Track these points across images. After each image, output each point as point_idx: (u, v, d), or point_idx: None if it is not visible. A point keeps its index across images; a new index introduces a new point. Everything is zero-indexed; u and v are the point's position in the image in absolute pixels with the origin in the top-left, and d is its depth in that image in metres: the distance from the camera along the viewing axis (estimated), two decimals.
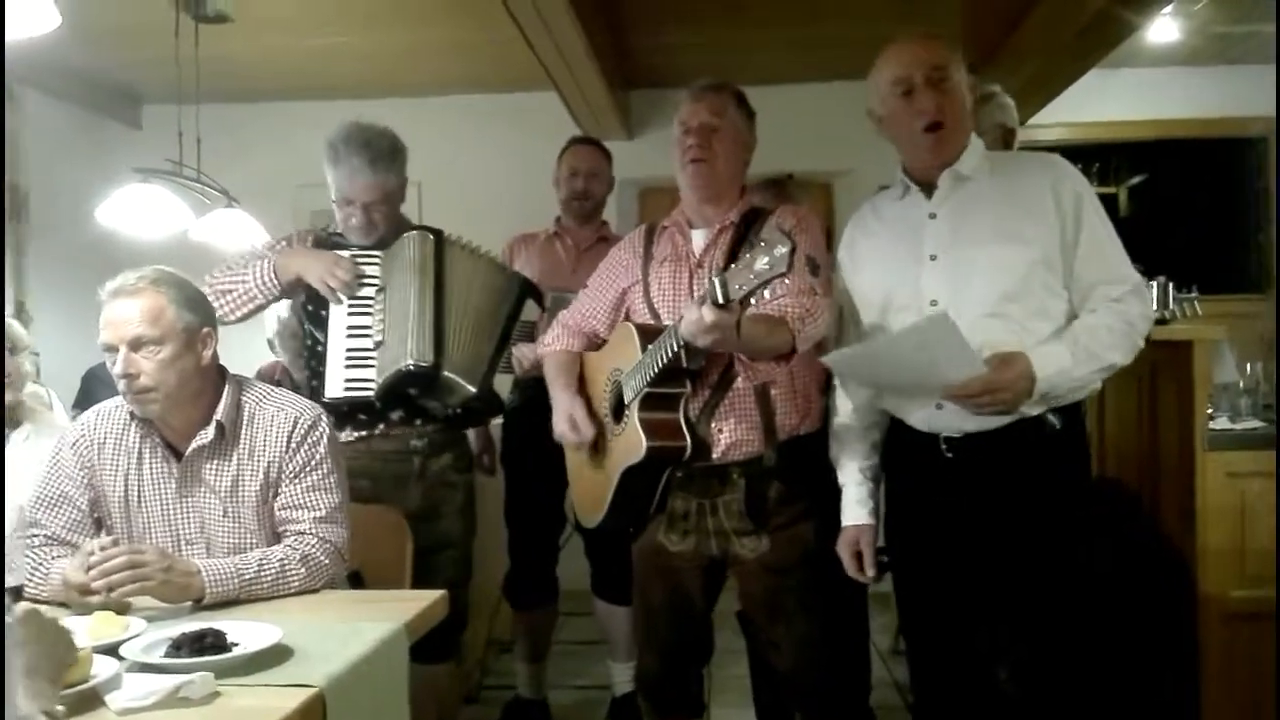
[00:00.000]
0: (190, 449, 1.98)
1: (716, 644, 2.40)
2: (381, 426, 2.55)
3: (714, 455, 2.13)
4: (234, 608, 1.79)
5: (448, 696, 3.13)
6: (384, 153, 2.50)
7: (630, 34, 4.35)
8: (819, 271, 2.13)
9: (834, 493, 2.26)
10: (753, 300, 1.80)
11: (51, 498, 2.00)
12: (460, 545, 2.68)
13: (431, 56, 4.54)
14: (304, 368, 2.59)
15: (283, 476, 2.02)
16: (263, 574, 1.86)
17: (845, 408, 2.16)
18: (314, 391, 2.49)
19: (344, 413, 2.50)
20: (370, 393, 2.49)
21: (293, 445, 2.02)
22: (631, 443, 2.11)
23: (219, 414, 1.99)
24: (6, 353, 2.51)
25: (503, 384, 3.36)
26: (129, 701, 1.32)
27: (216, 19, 3.76)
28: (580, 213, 3.26)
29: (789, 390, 2.16)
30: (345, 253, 2.57)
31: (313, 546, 1.95)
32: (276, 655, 1.50)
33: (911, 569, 2.10)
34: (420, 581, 2.25)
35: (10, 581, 1.59)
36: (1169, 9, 3.84)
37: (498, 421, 3.37)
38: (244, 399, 2.05)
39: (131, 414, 2.00)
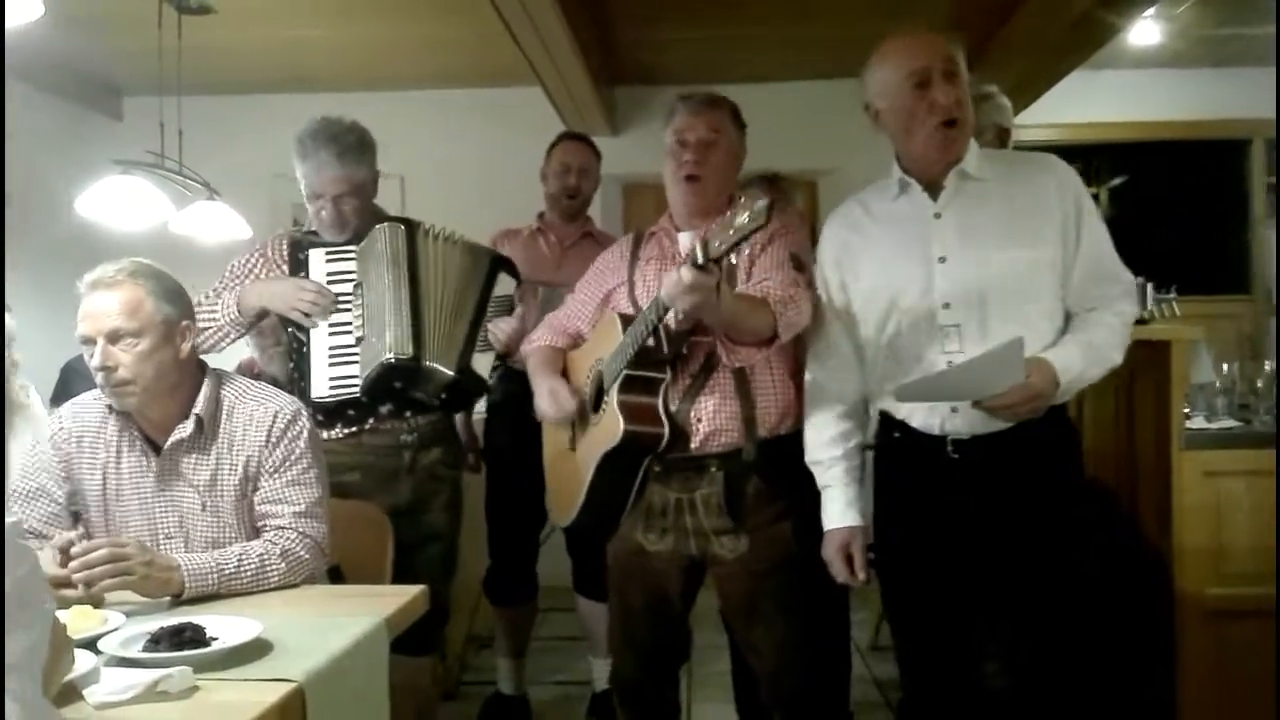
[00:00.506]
0: (169, 443, 1.97)
1: (700, 640, 2.41)
2: (371, 421, 2.55)
3: (692, 445, 2.12)
4: (213, 602, 1.78)
5: (428, 691, 3.13)
6: (351, 146, 2.51)
7: (616, 29, 4.35)
8: (804, 269, 2.14)
9: (814, 494, 2.27)
10: (738, 264, 1.78)
11: (28, 491, 1.98)
12: (446, 540, 2.67)
13: (416, 50, 4.52)
14: (292, 368, 2.58)
15: (262, 471, 2.01)
16: (242, 569, 1.85)
17: (830, 412, 2.12)
18: (301, 392, 2.49)
19: (333, 410, 2.51)
20: (356, 389, 2.49)
21: (272, 439, 2.01)
22: (609, 428, 2.11)
23: (198, 408, 1.98)
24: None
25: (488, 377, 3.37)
26: (107, 695, 1.31)
27: (199, 10, 3.75)
28: (568, 210, 3.25)
29: (769, 385, 2.16)
30: (320, 250, 2.57)
31: (293, 541, 1.94)
32: (256, 650, 1.50)
33: (907, 567, 2.08)
34: (405, 576, 2.24)
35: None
36: (1151, 12, 3.86)
37: (480, 417, 3.38)
38: (223, 393, 2.03)
39: (110, 407, 1.98)
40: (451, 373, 2.52)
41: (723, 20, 4.19)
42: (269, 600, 1.83)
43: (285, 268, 2.59)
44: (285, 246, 2.62)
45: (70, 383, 3.64)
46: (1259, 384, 2.94)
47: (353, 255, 2.57)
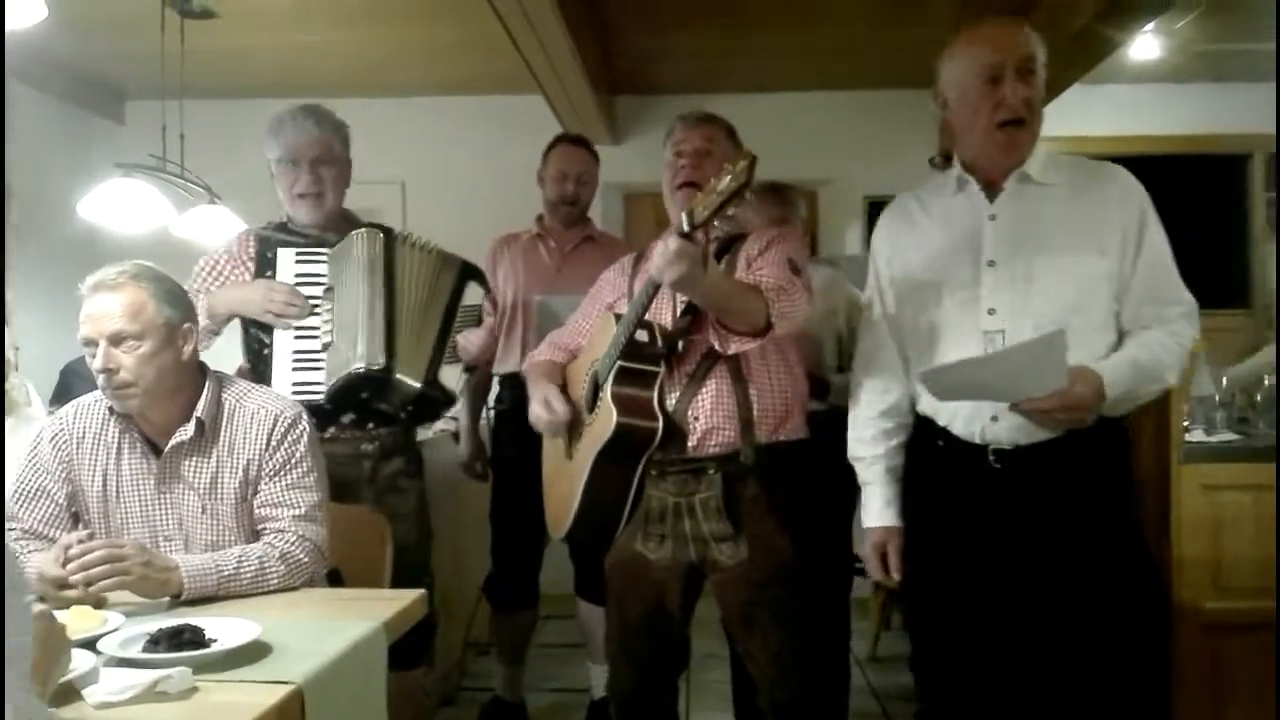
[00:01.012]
0: (169, 445, 1.97)
1: (698, 649, 2.40)
2: (332, 430, 2.52)
3: (689, 444, 2.13)
4: (212, 604, 1.78)
5: (422, 701, 3.12)
6: (328, 117, 2.56)
7: (617, 38, 4.36)
8: (800, 273, 2.15)
9: (815, 502, 2.27)
10: (717, 223, 1.83)
11: (29, 491, 1.98)
12: (415, 551, 2.60)
13: (418, 56, 4.54)
14: (251, 370, 2.52)
15: (262, 474, 2.01)
16: (241, 571, 1.85)
17: (871, 410, 2.10)
18: None
19: None
20: (319, 396, 2.46)
21: (273, 443, 2.01)
22: (602, 422, 2.11)
23: (199, 411, 1.98)
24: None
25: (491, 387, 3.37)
26: (106, 696, 1.31)
27: (202, 14, 3.75)
28: (567, 216, 3.23)
29: (767, 387, 2.17)
30: (290, 250, 2.54)
31: (292, 544, 1.94)
32: (255, 651, 1.49)
33: (935, 574, 2.03)
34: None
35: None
36: (1151, 26, 3.87)
37: (484, 425, 3.38)
38: (224, 396, 2.04)
39: (111, 409, 1.99)
40: (419, 386, 2.49)
41: (724, 30, 4.20)
42: (268, 602, 1.82)
43: (252, 265, 2.55)
44: (253, 243, 2.58)
45: (71, 385, 3.64)
46: (1258, 398, 2.94)
47: (324, 258, 2.54)
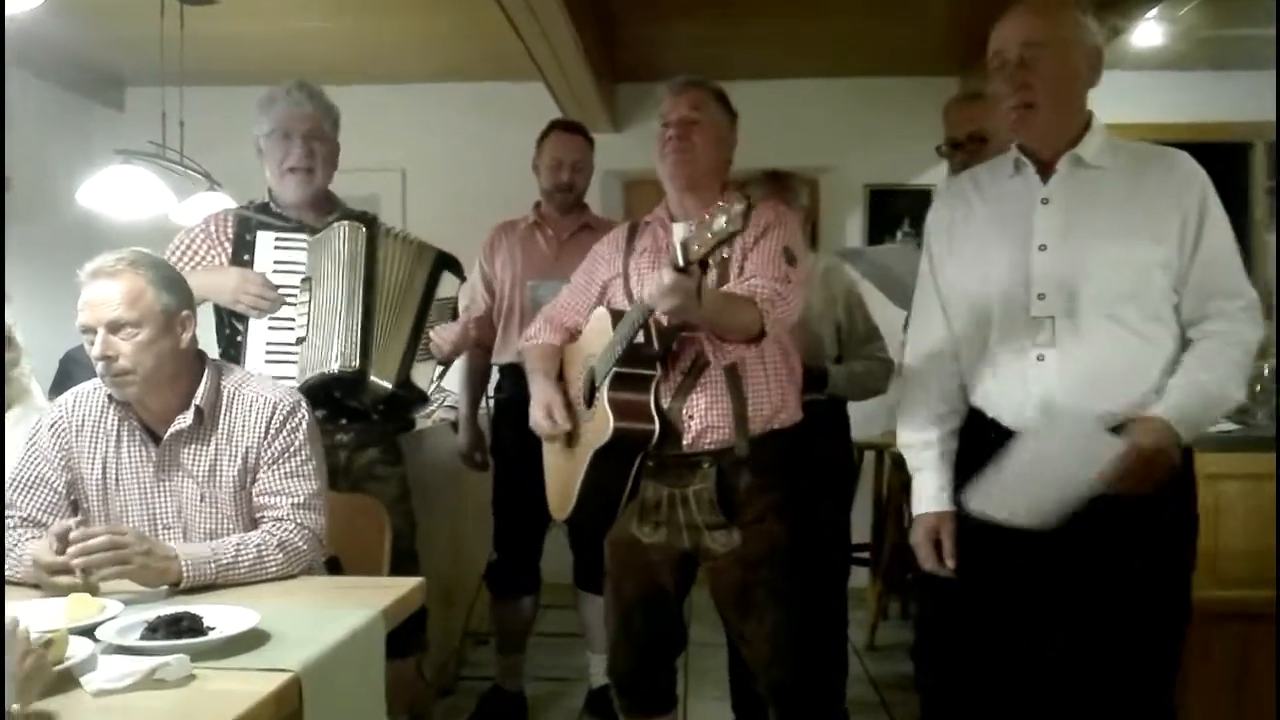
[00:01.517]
0: (168, 433, 1.97)
1: (695, 637, 2.42)
2: None
3: (684, 442, 2.13)
4: (211, 592, 1.78)
5: (415, 690, 3.13)
6: (320, 96, 2.56)
7: (619, 26, 4.35)
8: (795, 262, 2.14)
9: (808, 487, 2.27)
10: (711, 262, 1.82)
11: (28, 480, 1.98)
12: (399, 538, 2.52)
13: (418, 43, 4.52)
14: (221, 358, 2.45)
15: (261, 462, 2.01)
16: (240, 559, 1.85)
17: (924, 393, 2.05)
18: None
19: None
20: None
21: (271, 431, 2.01)
22: (600, 425, 2.12)
23: (198, 399, 1.98)
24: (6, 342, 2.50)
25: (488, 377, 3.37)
26: (104, 683, 1.31)
27: (201, 0, 3.74)
28: (563, 204, 3.22)
29: (762, 381, 2.17)
30: (270, 234, 2.50)
31: (290, 532, 1.94)
32: (253, 639, 1.50)
33: (991, 573, 1.94)
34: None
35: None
36: (1153, 13, 3.86)
37: (484, 413, 3.38)
38: (223, 384, 2.03)
39: (110, 397, 1.98)
40: (390, 386, 2.46)
41: (724, 18, 4.19)
42: (266, 591, 1.82)
43: (229, 246, 2.51)
44: (231, 224, 2.53)
45: (70, 373, 3.65)
46: (1258, 388, 2.94)
47: (304, 245, 2.50)
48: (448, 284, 2.63)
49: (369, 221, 2.52)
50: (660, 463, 2.17)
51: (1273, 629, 2.47)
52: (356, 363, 2.41)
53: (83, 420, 2.01)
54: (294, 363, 2.44)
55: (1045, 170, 1.89)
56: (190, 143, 3.76)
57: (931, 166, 5.04)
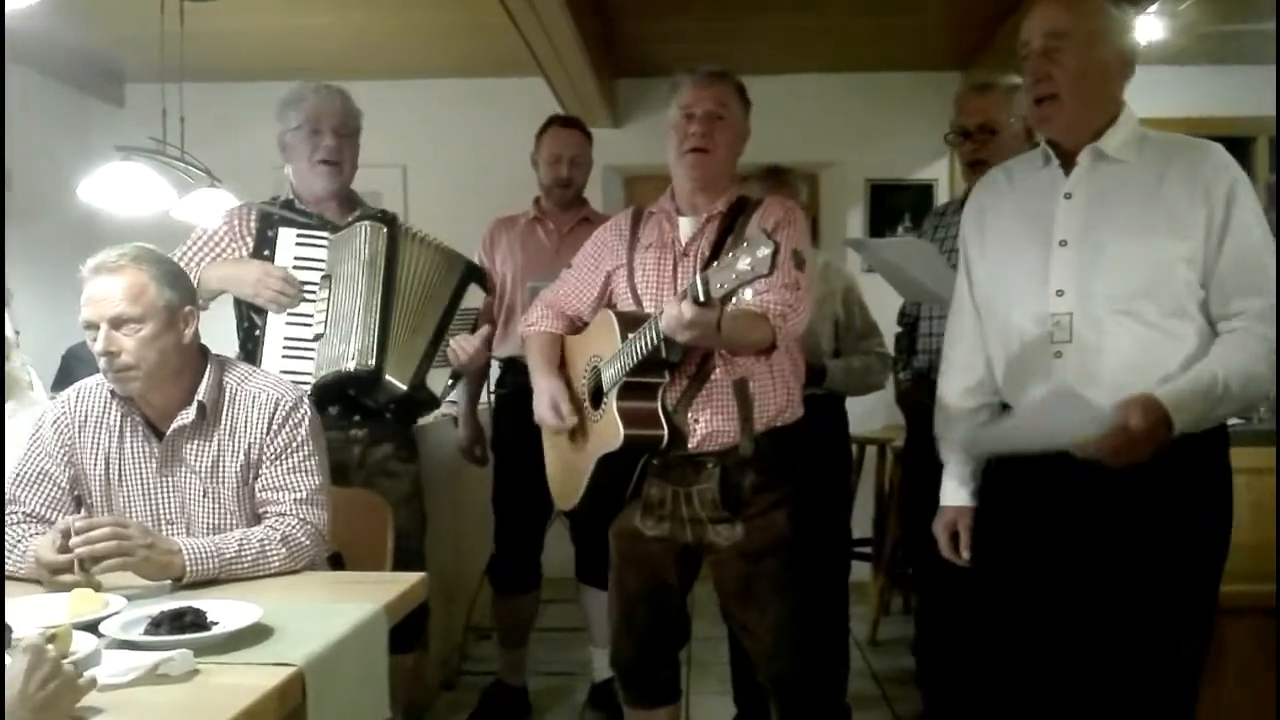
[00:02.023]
0: (171, 429, 1.97)
1: (697, 631, 2.42)
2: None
3: (690, 445, 2.14)
4: (214, 587, 1.78)
5: (417, 684, 3.13)
6: (348, 96, 2.59)
7: (619, 21, 4.35)
8: (803, 265, 2.14)
9: (809, 482, 2.27)
10: (734, 299, 1.81)
11: (31, 475, 1.98)
12: (409, 535, 2.59)
13: (418, 39, 4.52)
14: (240, 351, 2.51)
15: (264, 458, 2.01)
16: (243, 554, 1.85)
17: (955, 386, 2.05)
18: None
19: None
20: (305, 387, 2.42)
21: (274, 427, 2.01)
22: (609, 431, 2.12)
23: (200, 394, 1.98)
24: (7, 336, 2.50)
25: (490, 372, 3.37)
26: (108, 678, 1.31)
27: None
28: (562, 199, 3.22)
29: (768, 381, 2.17)
30: (291, 230, 2.52)
31: (293, 528, 1.94)
32: (256, 634, 1.50)
33: (1013, 568, 1.93)
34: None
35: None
36: (1154, 8, 3.85)
37: (484, 408, 3.38)
38: (226, 379, 2.04)
39: (113, 392, 1.98)
40: (404, 388, 2.48)
41: (725, 12, 4.19)
42: (269, 586, 1.83)
43: (251, 241, 2.53)
44: (254, 220, 2.55)
45: (72, 369, 3.65)
46: None
47: (325, 242, 2.52)
48: (473, 295, 2.66)
49: (390, 221, 2.55)
50: (665, 463, 2.18)
51: (1272, 623, 2.47)
52: (372, 361, 2.42)
53: (85, 416, 2.01)
54: (311, 359, 2.46)
55: (1069, 164, 1.87)
56: (190, 139, 3.75)
57: (933, 161, 5.04)
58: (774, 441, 2.18)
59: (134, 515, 1.96)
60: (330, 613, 1.62)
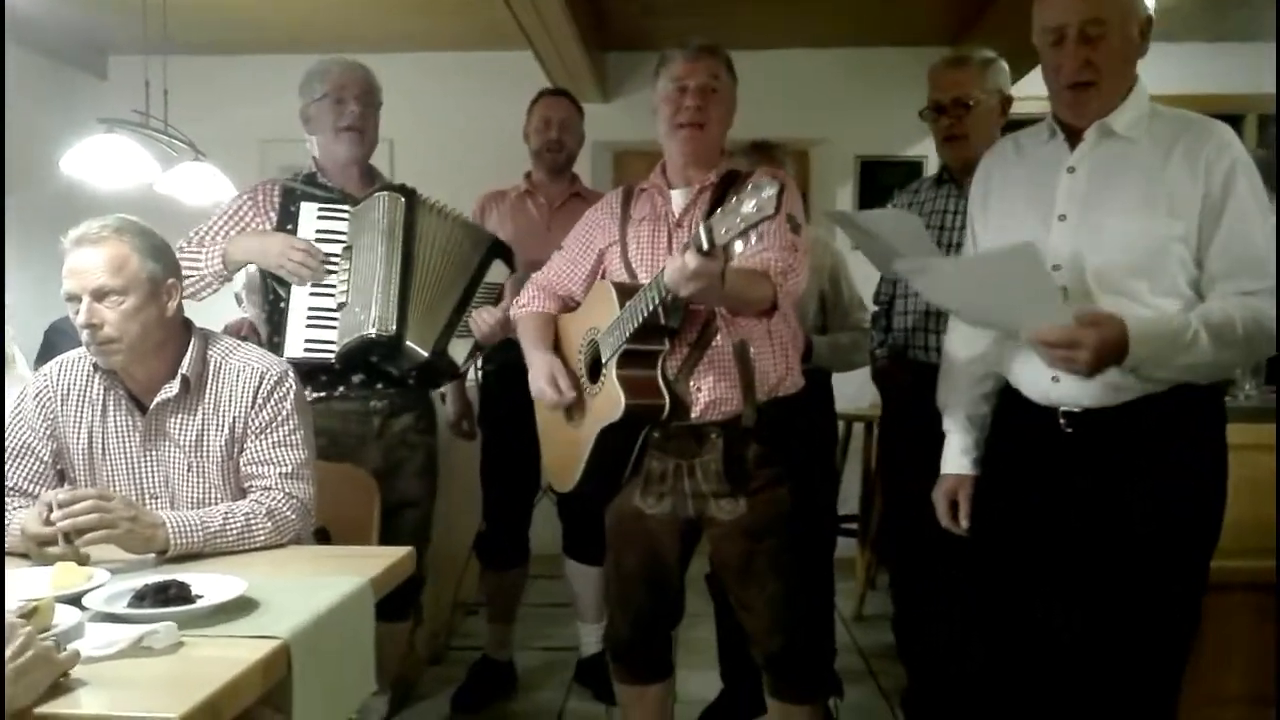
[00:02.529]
0: (155, 402, 1.96)
1: (686, 607, 2.42)
2: (341, 389, 2.56)
3: (693, 414, 2.12)
4: (199, 561, 1.78)
5: (407, 655, 3.15)
6: (369, 70, 2.67)
7: None
8: (799, 230, 2.13)
9: (807, 457, 2.27)
10: (738, 246, 1.77)
11: (14, 449, 1.97)
12: (419, 506, 2.68)
13: (405, 11, 4.47)
14: (265, 322, 2.56)
15: (248, 432, 2.00)
16: (228, 527, 1.84)
17: (959, 355, 2.06)
18: (274, 348, 2.48)
19: (304, 372, 2.49)
20: (330, 355, 2.49)
21: (259, 401, 2.00)
22: (609, 401, 2.11)
23: (184, 367, 1.96)
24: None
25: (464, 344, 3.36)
26: (92, 650, 1.30)
27: None
28: (552, 165, 3.20)
29: (768, 349, 2.16)
30: (313, 204, 2.56)
31: (279, 502, 1.93)
32: (241, 607, 1.50)
33: (1004, 539, 1.95)
34: (380, 542, 2.24)
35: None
36: None
37: (473, 384, 3.37)
38: (210, 353, 2.02)
39: (95, 365, 1.97)
40: (426, 354, 2.52)
41: None
42: (254, 560, 1.82)
43: (274, 215, 2.57)
44: (278, 194, 2.59)
45: (56, 343, 3.62)
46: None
47: (346, 215, 2.56)
48: (497, 271, 2.70)
49: (408, 193, 2.60)
50: (666, 434, 2.16)
51: (1266, 598, 2.48)
52: (393, 327, 2.46)
53: (68, 389, 1.99)
54: (334, 328, 2.50)
55: (1075, 138, 1.86)
56: (174, 113, 3.71)
57: (923, 138, 5.01)
58: (776, 412, 2.17)
59: (117, 489, 1.95)
60: (316, 586, 1.62)
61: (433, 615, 3.58)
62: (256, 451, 1.99)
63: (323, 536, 2.16)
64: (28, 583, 1.56)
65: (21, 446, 1.97)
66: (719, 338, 2.12)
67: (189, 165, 3.78)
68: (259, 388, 2.01)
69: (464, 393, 3.34)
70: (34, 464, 1.97)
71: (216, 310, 2.78)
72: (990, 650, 2.00)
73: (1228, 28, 4.64)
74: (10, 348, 2.66)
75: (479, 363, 3.36)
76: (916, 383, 2.64)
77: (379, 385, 2.59)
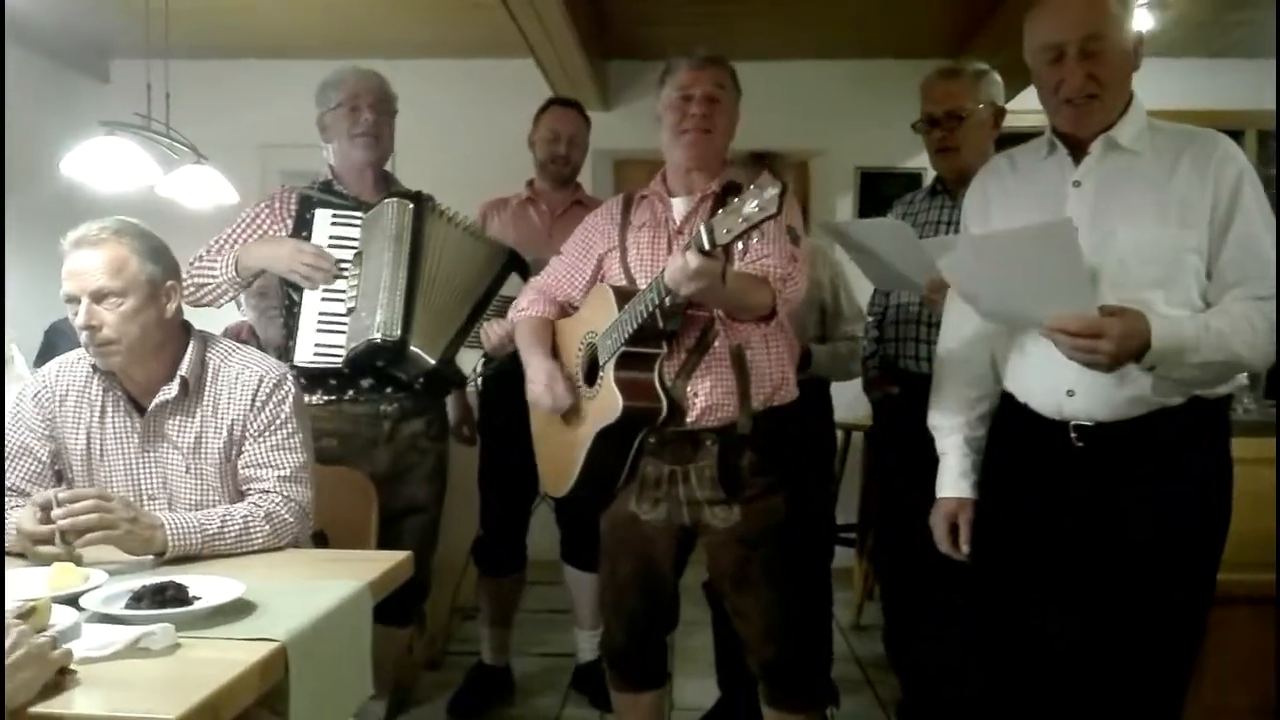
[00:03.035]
0: (153, 404, 1.96)
1: (682, 615, 2.41)
2: (351, 392, 2.57)
3: (689, 419, 2.12)
4: (196, 563, 1.78)
5: (407, 660, 3.14)
6: (384, 78, 2.70)
7: (610, 3, 4.32)
8: (799, 242, 2.14)
9: (801, 467, 2.27)
10: (739, 245, 1.77)
11: (12, 449, 1.97)
12: (427, 511, 2.69)
13: (407, 18, 4.48)
14: (281, 327, 2.60)
15: (247, 435, 2.00)
16: (226, 530, 1.84)
17: (955, 376, 2.04)
18: (288, 352, 2.50)
19: (315, 376, 2.51)
20: (338, 360, 2.50)
21: (257, 404, 2.00)
22: (606, 404, 2.11)
23: (183, 369, 1.96)
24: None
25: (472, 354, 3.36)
26: (88, 651, 1.30)
27: None
28: (557, 177, 3.21)
29: (764, 357, 2.16)
30: (327, 211, 2.59)
31: (277, 504, 1.93)
32: (238, 609, 1.49)
33: (1006, 553, 1.93)
34: (385, 546, 2.24)
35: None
36: (1144, 0, 3.85)
37: (473, 389, 3.37)
38: (209, 355, 2.02)
39: (94, 366, 1.97)
40: (433, 362, 2.53)
41: None
42: (252, 562, 1.82)
43: (290, 223, 2.60)
44: (294, 202, 2.63)
45: (55, 344, 3.62)
46: (1244, 377, 2.94)
47: (358, 221, 2.58)
48: (513, 284, 2.71)
49: (416, 198, 2.62)
50: (662, 439, 2.16)
51: (1267, 611, 2.48)
52: (397, 332, 2.47)
53: (66, 390, 1.99)
54: (344, 333, 2.52)
55: (1078, 152, 1.86)
56: (176, 116, 3.72)
57: (923, 149, 5.02)
58: (771, 421, 2.17)
59: (115, 490, 1.94)
60: (313, 589, 1.62)
61: (430, 620, 3.58)
62: (255, 454, 1.99)
63: (320, 540, 2.15)
64: (25, 583, 1.56)
65: (20, 447, 1.97)
66: (717, 342, 2.12)
67: (190, 169, 3.78)
68: (257, 390, 2.01)
69: (465, 398, 3.34)
70: (32, 464, 1.97)
71: (216, 313, 2.77)
72: (989, 665, 1.98)
73: (1227, 43, 4.65)
74: (10, 348, 2.66)
75: (478, 368, 3.37)
76: (907, 393, 2.64)
77: (388, 390, 2.60)
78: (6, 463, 1.96)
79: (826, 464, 3.21)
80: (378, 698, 2.82)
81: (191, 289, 2.49)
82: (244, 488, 1.99)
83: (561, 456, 2.29)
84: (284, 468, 1.99)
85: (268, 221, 2.62)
